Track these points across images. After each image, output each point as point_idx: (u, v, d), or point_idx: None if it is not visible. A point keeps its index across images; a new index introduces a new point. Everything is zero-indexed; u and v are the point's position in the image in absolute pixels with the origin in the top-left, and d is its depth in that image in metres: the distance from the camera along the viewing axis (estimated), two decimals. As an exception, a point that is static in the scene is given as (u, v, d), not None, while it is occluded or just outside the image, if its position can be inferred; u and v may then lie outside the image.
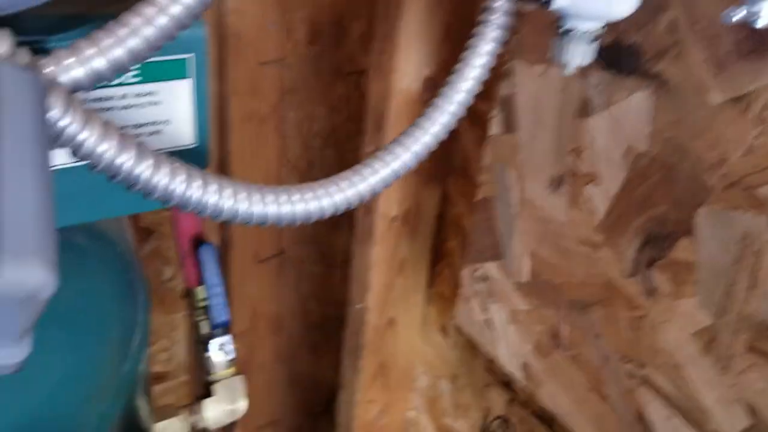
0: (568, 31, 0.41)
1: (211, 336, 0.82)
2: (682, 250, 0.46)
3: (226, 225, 1.24)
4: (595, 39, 0.42)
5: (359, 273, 0.86)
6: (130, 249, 0.58)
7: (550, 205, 0.55)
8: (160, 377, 1.57)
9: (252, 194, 0.41)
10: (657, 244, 0.47)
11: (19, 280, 0.24)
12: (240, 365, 1.36)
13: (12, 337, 0.26)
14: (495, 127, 0.59)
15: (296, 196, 0.43)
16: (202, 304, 0.84)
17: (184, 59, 0.46)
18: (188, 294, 0.85)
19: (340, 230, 1.13)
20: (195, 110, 0.48)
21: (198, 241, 0.84)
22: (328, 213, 0.46)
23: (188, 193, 0.39)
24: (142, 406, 0.67)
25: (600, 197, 0.51)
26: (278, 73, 1.14)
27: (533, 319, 0.59)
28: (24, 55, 0.32)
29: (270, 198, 0.42)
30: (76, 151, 0.34)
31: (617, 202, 0.50)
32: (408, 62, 0.73)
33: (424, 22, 0.71)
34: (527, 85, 0.55)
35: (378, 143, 0.78)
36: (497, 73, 0.58)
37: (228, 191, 0.41)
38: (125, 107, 0.45)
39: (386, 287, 0.87)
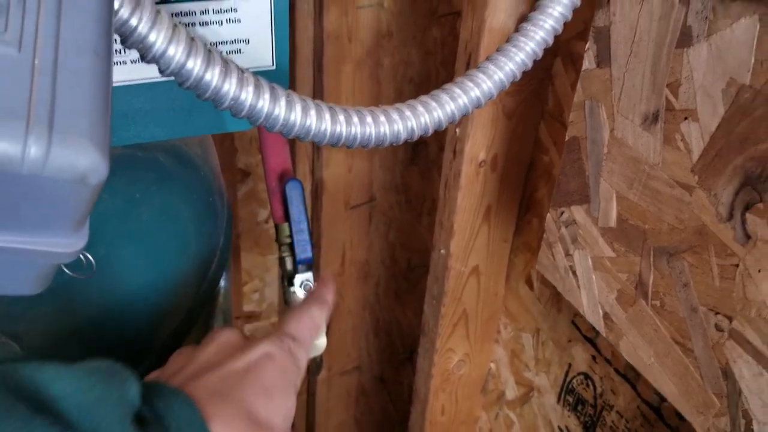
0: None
1: (295, 271, 0.83)
2: (783, 191, 0.42)
3: (317, 168, 1.25)
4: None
5: (444, 218, 0.84)
6: (214, 174, 0.59)
7: (642, 144, 0.52)
8: (251, 317, 1.62)
9: (323, 112, 0.40)
10: (756, 185, 0.43)
11: (69, 162, 0.24)
12: (327, 308, 1.39)
13: (67, 225, 0.27)
14: (587, 62, 0.56)
15: (369, 118, 0.42)
16: (287, 240, 0.84)
17: (263, -23, 0.45)
18: (276, 229, 0.86)
19: (429, 178, 1.11)
20: (275, 31, 0.47)
21: (285, 178, 0.85)
22: (402, 138, 0.44)
23: (258, 105, 0.39)
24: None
25: (696, 135, 0.47)
26: (375, 15, 1.13)
27: (618, 266, 0.56)
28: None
29: (341, 117, 0.41)
30: (145, 53, 0.34)
31: (715, 140, 0.46)
32: (502, -3, 0.70)
33: (522, -47, 0.67)
34: (624, 13, 0.51)
35: (468, 84, 0.75)
36: (593, 3, 0.54)
37: (298, 106, 0.40)
38: (205, 23, 0.45)
39: (471, 234, 0.85)
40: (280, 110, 0.38)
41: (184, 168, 0.53)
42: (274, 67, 0.48)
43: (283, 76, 0.48)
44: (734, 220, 0.45)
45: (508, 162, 0.82)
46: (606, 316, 0.58)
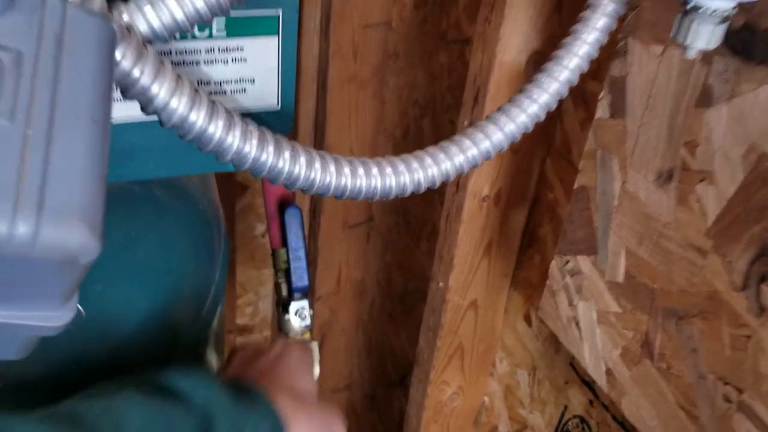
0: (694, 9, 0.36)
1: (290, 299, 0.81)
2: (803, 269, 0.40)
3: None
4: (724, 20, 0.36)
5: (443, 250, 0.83)
6: (213, 207, 0.58)
7: (656, 201, 0.50)
8: (243, 330, 1.60)
9: (328, 164, 0.39)
10: (774, 257, 0.42)
11: (60, 241, 0.22)
12: (322, 327, 1.37)
13: (55, 300, 0.25)
14: (601, 110, 0.54)
15: (374, 170, 0.41)
16: (284, 266, 0.83)
17: (273, 16, 0.44)
18: (273, 254, 0.84)
19: (430, 203, 1.10)
20: (281, 70, 0.46)
21: (285, 203, 0.83)
22: (408, 190, 0.43)
23: (262, 158, 0.37)
24: (212, 361, 0.67)
25: (713, 198, 0.46)
26: (382, 36, 1.11)
27: (624, 322, 0.54)
28: (98, 0, 0.31)
29: (347, 170, 0.40)
30: (147, 105, 0.32)
31: (732, 206, 0.44)
32: (514, 33, 0.68)
33: (536, -9, 0.66)
34: (642, 66, 0.50)
35: (474, 117, 0.74)
36: (609, 51, 0.53)
37: (302, 158, 0.38)
38: (210, 62, 0.43)
39: (470, 268, 0.83)
40: (284, 163, 0.37)
41: (181, 203, 0.52)
42: (279, 108, 0.47)
43: (288, 118, 0.47)
44: (749, 290, 0.44)
45: (511, 197, 0.80)
46: (609, 371, 0.57)
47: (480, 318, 0.89)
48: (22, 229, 0.22)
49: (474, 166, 0.44)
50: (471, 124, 0.75)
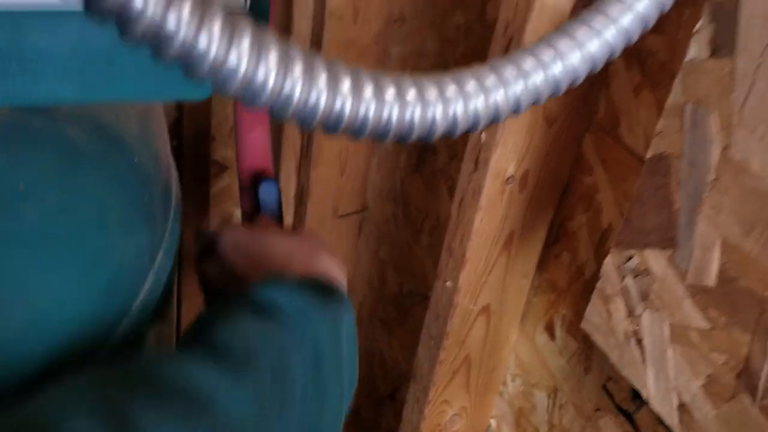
0: None
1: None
2: None
3: (304, 167, 1.08)
4: None
5: (454, 243, 0.68)
6: (156, 161, 0.42)
7: (776, 173, 0.35)
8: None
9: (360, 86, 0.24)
10: None
11: None
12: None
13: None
14: (695, 49, 0.39)
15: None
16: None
17: None
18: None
19: (434, 190, 0.95)
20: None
21: (260, 176, 0.68)
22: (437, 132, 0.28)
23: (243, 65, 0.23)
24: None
25: None
26: (386, -5, 0.97)
27: (713, 343, 0.40)
28: None
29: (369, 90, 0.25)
30: None
31: None
32: (561, -33, 0.54)
33: None
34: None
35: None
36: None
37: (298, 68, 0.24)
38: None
39: (485, 265, 0.69)
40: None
41: (106, 150, 0.36)
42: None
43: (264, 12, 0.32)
44: None
45: (540, 180, 0.66)
46: (683, 407, 0.42)
47: (492, 326, 0.74)
48: None
49: (536, 102, 0.29)
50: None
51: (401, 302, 1.08)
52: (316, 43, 1.01)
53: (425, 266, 1.00)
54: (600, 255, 0.62)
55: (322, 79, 0.25)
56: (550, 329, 0.72)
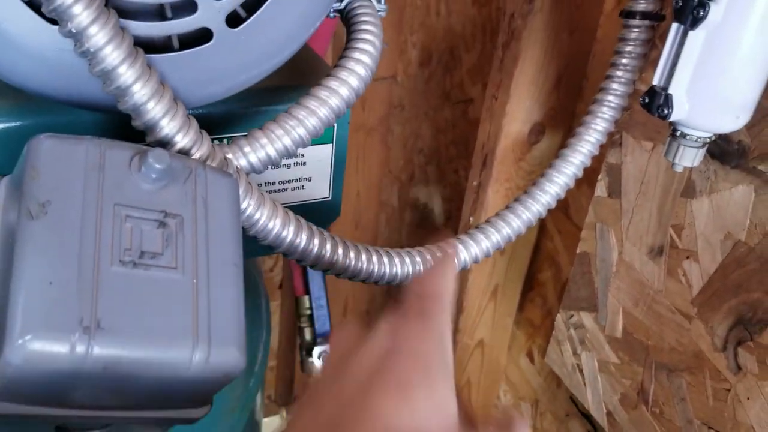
0: (682, 135, 0.45)
1: (314, 343, 0.89)
2: (771, 339, 0.49)
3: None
4: (705, 144, 0.45)
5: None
6: (259, 273, 0.65)
7: (648, 271, 0.59)
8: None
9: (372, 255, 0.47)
10: (748, 326, 0.51)
11: (222, 365, 0.30)
12: (329, 358, 1.44)
13: (202, 401, 0.33)
14: (600, 190, 0.63)
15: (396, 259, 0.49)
16: (306, 312, 0.91)
17: (329, 127, 0.51)
18: (296, 301, 0.92)
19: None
20: (333, 170, 0.54)
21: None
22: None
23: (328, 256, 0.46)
24: (259, 402, 0.74)
25: (696, 274, 0.54)
26: (388, 88, 1.20)
27: (622, 372, 0.63)
28: (217, 153, 0.39)
29: (385, 259, 0.48)
30: (249, 228, 0.40)
31: (713, 282, 0.53)
32: (519, 108, 0.77)
33: (538, 73, 0.75)
34: (634, 158, 0.59)
35: (483, 179, 0.83)
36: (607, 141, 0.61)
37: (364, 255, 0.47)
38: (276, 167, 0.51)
39: (478, 310, 0.92)
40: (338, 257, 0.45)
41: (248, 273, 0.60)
42: (330, 198, 0.55)
43: (336, 206, 0.55)
44: (727, 351, 0.52)
45: (515, 246, 0.89)
46: (609, 413, 0.65)
47: (486, 355, 0.97)
48: (198, 357, 0.30)
49: (486, 255, 0.53)
50: (479, 185, 0.84)
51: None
52: (330, 125, 1.23)
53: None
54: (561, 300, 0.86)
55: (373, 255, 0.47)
56: (530, 355, 0.96)
